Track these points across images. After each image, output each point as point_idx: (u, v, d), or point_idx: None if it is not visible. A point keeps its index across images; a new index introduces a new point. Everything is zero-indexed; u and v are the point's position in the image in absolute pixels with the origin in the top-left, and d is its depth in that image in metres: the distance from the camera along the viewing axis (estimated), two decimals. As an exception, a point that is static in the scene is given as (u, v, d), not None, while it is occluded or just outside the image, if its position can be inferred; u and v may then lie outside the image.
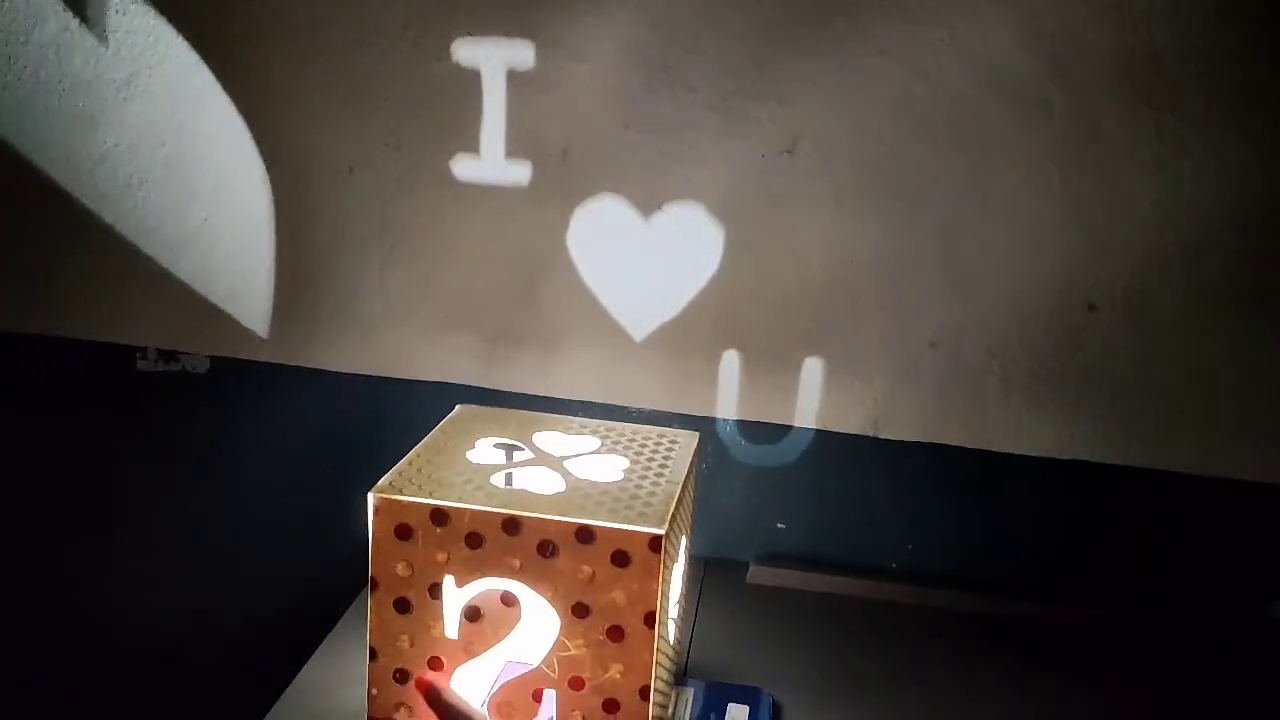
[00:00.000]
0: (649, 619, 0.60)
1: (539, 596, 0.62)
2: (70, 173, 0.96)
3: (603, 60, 0.88)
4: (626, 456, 0.70)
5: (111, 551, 1.09)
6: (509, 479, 0.67)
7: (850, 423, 0.94)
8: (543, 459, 0.69)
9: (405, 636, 0.64)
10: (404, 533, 0.62)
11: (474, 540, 0.61)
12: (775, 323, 0.92)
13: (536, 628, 0.62)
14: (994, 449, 0.92)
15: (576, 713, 0.63)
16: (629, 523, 0.60)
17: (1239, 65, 0.81)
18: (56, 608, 1.11)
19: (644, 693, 0.61)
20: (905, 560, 0.97)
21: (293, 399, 1.01)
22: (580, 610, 0.61)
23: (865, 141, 0.87)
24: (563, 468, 0.68)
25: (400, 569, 0.63)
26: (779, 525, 0.98)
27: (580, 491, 0.64)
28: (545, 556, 0.61)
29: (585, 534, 0.60)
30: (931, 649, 0.86)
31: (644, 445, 0.72)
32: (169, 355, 1.02)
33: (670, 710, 0.73)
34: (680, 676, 0.78)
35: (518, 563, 0.61)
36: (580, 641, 0.62)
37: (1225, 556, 0.93)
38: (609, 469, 0.68)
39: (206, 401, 1.02)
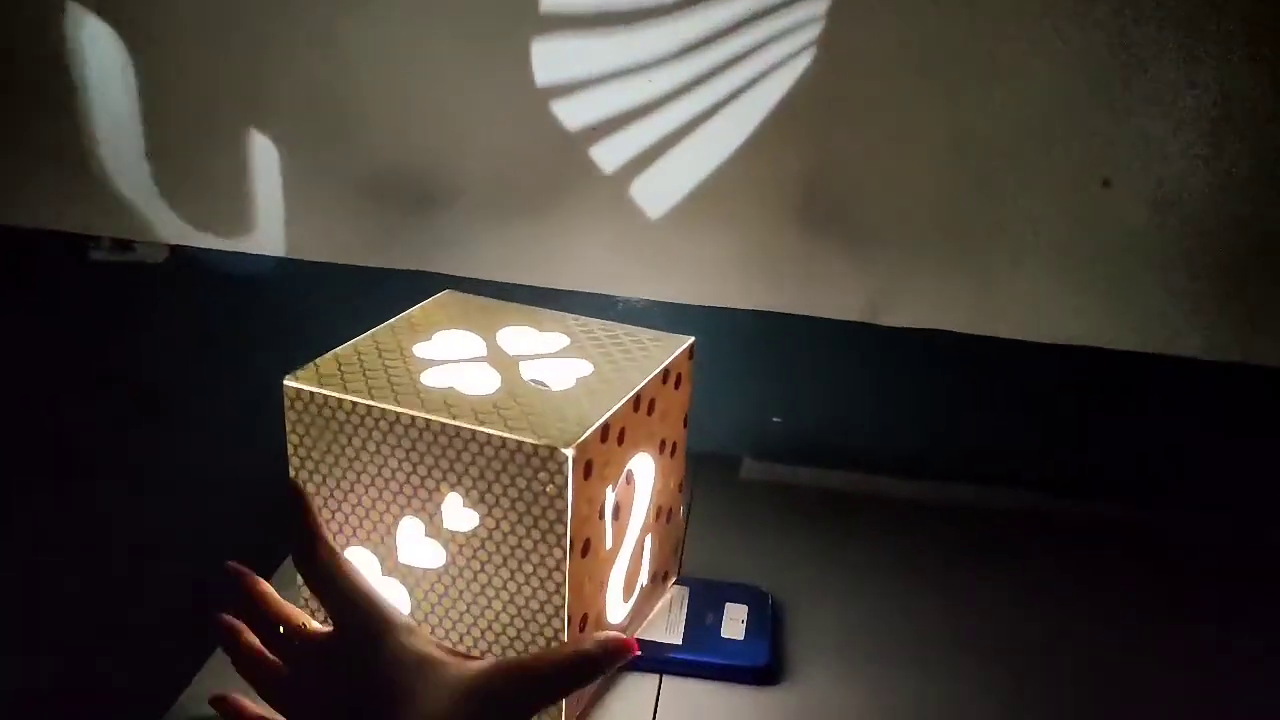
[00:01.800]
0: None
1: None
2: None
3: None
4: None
5: (59, 456, 1.04)
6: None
7: (848, 309, 0.89)
8: (494, 358, 0.64)
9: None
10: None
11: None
12: (767, 198, 0.87)
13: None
14: (999, 335, 0.88)
15: None
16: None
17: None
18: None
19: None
20: (906, 455, 0.93)
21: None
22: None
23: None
24: (515, 369, 0.63)
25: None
26: (774, 419, 0.94)
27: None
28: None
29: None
30: (931, 543, 0.83)
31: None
32: (124, 244, 0.96)
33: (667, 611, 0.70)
34: (675, 574, 0.75)
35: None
36: None
37: (1237, 446, 0.89)
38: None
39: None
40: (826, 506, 0.88)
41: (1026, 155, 0.83)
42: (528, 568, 0.57)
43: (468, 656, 0.52)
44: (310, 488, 0.60)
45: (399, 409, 0.56)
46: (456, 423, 0.55)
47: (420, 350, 0.64)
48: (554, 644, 0.57)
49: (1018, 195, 0.84)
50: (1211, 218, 0.82)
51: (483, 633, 0.59)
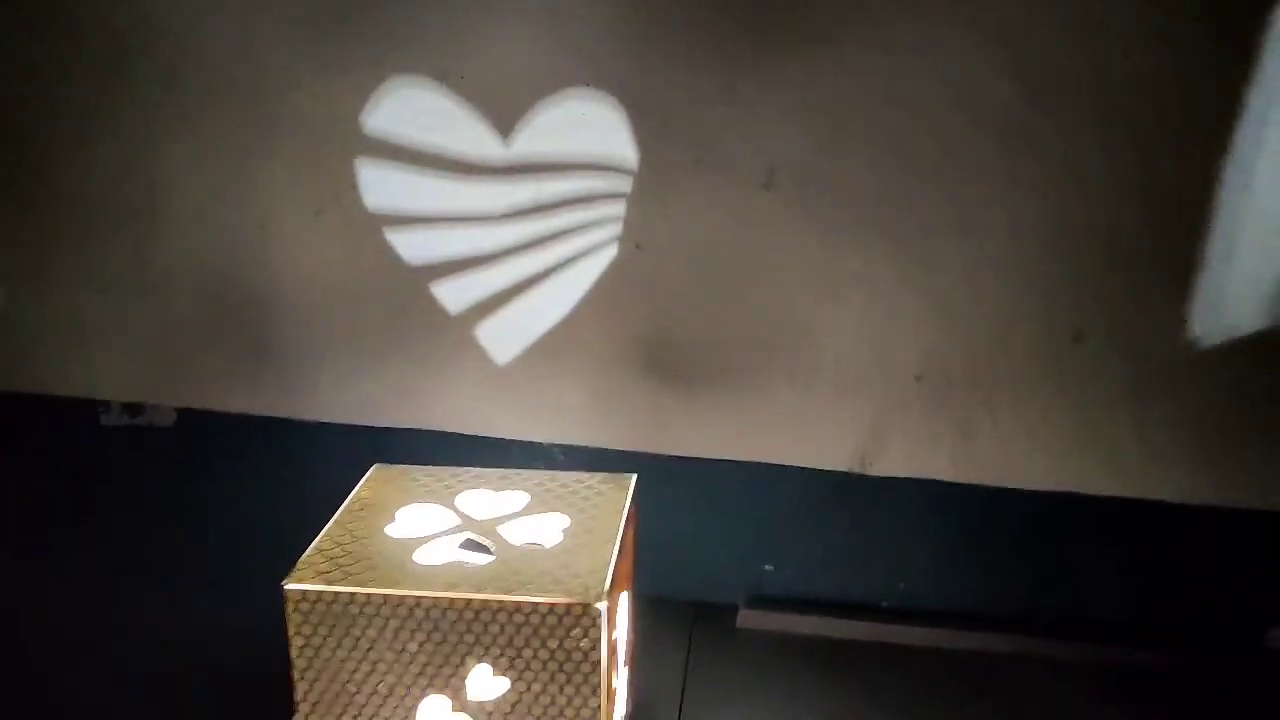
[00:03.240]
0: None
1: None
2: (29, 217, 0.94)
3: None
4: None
5: (63, 620, 1.05)
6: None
7: (837, 460, 0.92)
8: (470, 526, 0.66)
9: None
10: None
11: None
12: (758, 358, 0.91)
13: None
14: (984, 483, 0.91)
15: None
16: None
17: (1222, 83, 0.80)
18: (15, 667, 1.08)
19: None
20: (897, 599, 0.95)
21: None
22: None
23: (843, 172, 0.85)
24: (497, 534, 0.65)
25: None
26: (767, 567, 0.96)
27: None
28: None
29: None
30: (929, 689, 0.85)
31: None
32: (134, 409, 0.99)
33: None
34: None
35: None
36: None
37: (1220, 585, 0.92)
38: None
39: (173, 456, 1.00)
40: (824, 654, 0.90)
41: (1003, 315, 0.87)
42: None
43: None
44: (319, 686, 0.61)
45: (418, 593, 0.58)
46: (483, 596, 0.58)
47: (393, 531, 0.66)
48: None
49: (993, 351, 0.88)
50: (1181, 369, 0.86)
51: None
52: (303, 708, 0.61)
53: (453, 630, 0.59)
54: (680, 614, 0.94)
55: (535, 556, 0.62)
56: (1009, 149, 0.83)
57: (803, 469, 0.93)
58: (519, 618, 0.58)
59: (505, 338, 0.93)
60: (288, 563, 0.61)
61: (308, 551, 0.63)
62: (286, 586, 0.60)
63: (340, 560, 0.62)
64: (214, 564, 1.01)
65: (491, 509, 0.69)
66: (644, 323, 0.91)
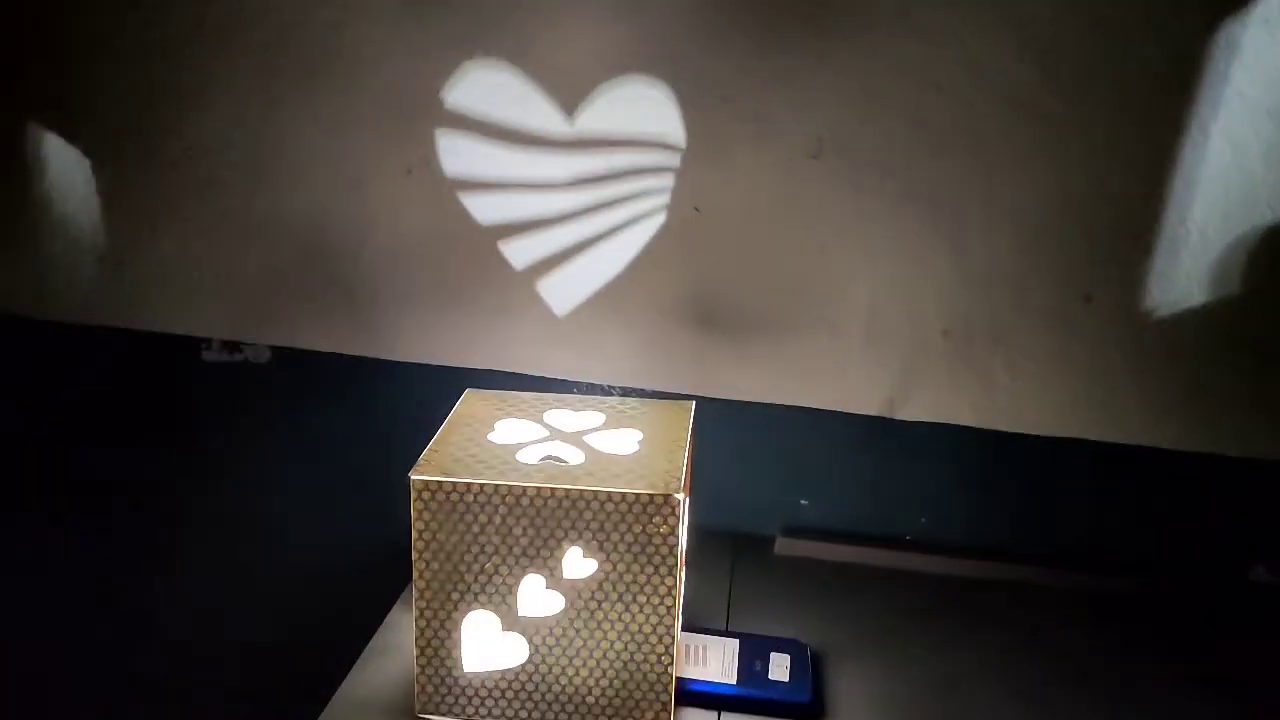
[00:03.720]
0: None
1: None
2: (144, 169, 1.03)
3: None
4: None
5: (175, 542, 1.16)
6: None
7: (868, 405, 1.01)
8: (560, 436, 0.75)
9: None
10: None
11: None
12: (798, 311, 0.99)
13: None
14: (999, 428, 0.99)
15: None
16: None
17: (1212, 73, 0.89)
18: (114, 599, 1.17)
19: None
20: (918, 532, 1.04)
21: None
22: None
23: (882, 148, 0.93)
24: (584, 442, 0.74)
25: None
26: (802, 502, 1.05)
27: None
28: None
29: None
30: (943, 610, 0.93)
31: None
32: (233, 346, 1.08)
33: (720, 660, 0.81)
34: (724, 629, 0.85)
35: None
36: None
37: (1211, 524, 1.00)
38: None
39: (269, 392, 1.09)
40: (851, 578, 0.98)
41: (1021, 276, 0.96)
42: (641, 599, 0.68)
43: None
44: (435, 565, 0.69)
45: (524, 484, 0.68)
46: (579, 487, 0.67)
47: (494, 438, 0.75)
48: (663, 662, 0.68)
49: (1012, 309, 0.97)
50: (1179, 327, 0.94)
51: (598, 662, 0.70)
52: (419, 584, 0.70)
53: (552, 517, 0.68)
54: (723, 543, 1.02)
55: (619, 459, 0.72)
56: (1028, 126, 0.91)
57: (836, 413, 1.01)
58: (610, 506, 0.67)
59: (565, 291, 1.02)
60: (380, 480, 0.67)
61: (426, 451, 0.72)
62: (412, 477, 0.69)
63: (453, 457, 0.71)
64: (308, 485, 1.11)
65: (575, 424, 0.78)
66: (695, 278, 1.00)
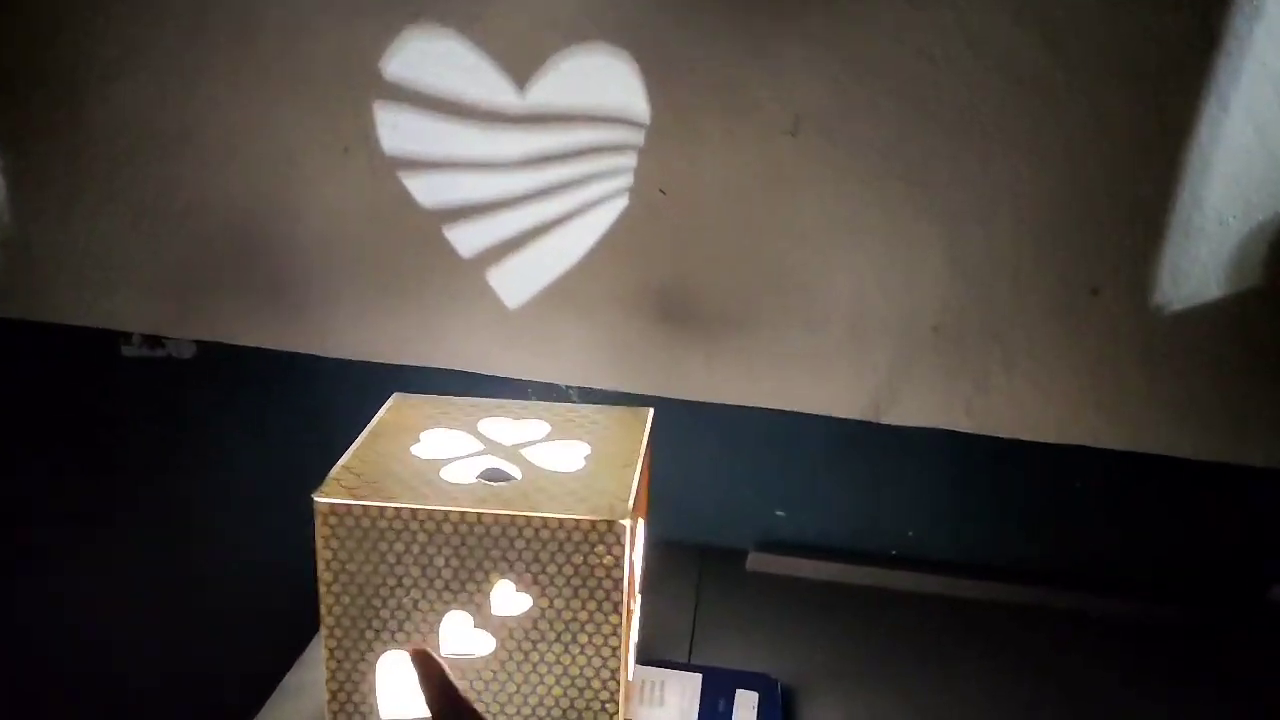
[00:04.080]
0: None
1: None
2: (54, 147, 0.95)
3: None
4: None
5: (96, 541, 1.07)
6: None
7: (851, 408, 0.93)
8: (494, 449, 0.67)
9: None
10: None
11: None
12: (774, 304, 0.91)
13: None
14: (997, 434, 0.92)
15: None
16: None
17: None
18: (35, 601, 1.09)
19: None
20: (905, 547, 0.96)
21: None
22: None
23: (868, 123, 0.86)
24: (522, 457, 0.66)
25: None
26: (778, 513, 0.97)
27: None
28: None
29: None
30: (934, 635, 0.87)
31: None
32: (155, 341, 1.00)
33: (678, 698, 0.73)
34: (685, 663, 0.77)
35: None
36: None
37: (1228, 541, 0.93)
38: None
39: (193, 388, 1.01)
40: (831, 598, 0.91)
41: (1021, 267, 0.88)
42: (583, 638, 0.60)
43: None
44: (345, 600, 0.61)
45: (445, 508, 0.59)
46: (510, 511, 0.58)
47: (418, 451, 0.66)
48: (608, 710, 0.61)
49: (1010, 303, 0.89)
50: (1196, 323, 0.87)
51: (534, 710, 0.62)
52: (328, 621, 0.62)
53: (479, 545, 0.60)
54: (690, 558, 0.95)
55: (559, 478, 0.63)
56: (1031, 102, 0.84)
57: (817, 416, 0.94)
58: (545, 534, 0.59)
59: (517, 283, 0.94)
60: (308, 488, 0.61)
61: (336, 468, 0.64)
62: (316, 499, 0.60)
63: (368, 476, 0.62)
64: (233, 491, 1.03)
65: (514, 435, 0.69)
66: (659, 268, 0.92)
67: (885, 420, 0.93)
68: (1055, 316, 0.88)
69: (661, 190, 0.89)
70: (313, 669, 0.77)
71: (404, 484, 0.62)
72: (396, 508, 0.59)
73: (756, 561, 0.95)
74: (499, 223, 0.92)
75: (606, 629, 0.60)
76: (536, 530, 0.59)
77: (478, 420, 0.71)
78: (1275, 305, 0.86)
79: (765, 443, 0.96)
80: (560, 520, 0.58)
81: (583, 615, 0.60)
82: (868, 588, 0.93)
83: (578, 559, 0.59)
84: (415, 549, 0.60)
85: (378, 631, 0.62)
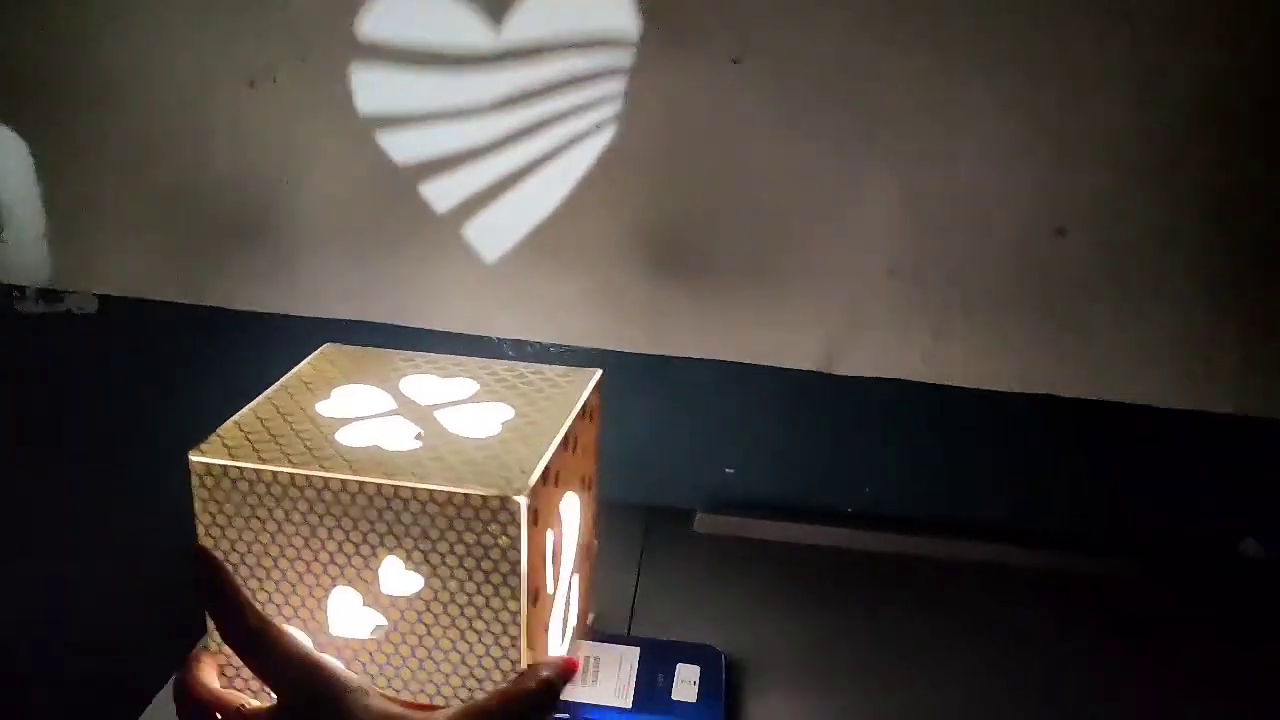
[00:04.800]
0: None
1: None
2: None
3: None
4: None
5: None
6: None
7: (802, 358, 0.88)
8: (406, 410, 0.61)
9: None
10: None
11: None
12: (719, 249, 0.86)
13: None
14: (955, 384, 0.87)
15: None
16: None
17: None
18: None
19: None
20: (862, 504, 0.92)
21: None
22: None
23: (816, 47, 0.80)
24: (433, 420, 0.60)
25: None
26: (727, 470, 0.93)
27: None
28: None
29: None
30: (890, 597, 0.82)
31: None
32: (52, 295, 0.93)
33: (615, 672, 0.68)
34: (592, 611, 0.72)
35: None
36: None
37: (1196, 493, 0.89)
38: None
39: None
40: (783, 559, 0.86)
41: (982, 205, 0.83)
42: (480, 625, 0.54)
43: (429, 707, 0.50)
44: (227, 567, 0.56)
45: (326, 474, 0.53)
46: (394, 481, 0.52)
47: (324, 409, 0.60)
48: None
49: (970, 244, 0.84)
50: (1164, 267, 0.82)
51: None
52: None
53: (363, 517, 0.54)
54: (634, 518, 0.90)
55: (465, 445, 0.57)
56: (993, 22, 0.78)
57: (768, 368, 0.89)
58: (432, 508, 0.52)
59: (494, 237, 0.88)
60: None
61: (226, 424, 0.58)
62: (191, 459, 0.54)
63: (256, 435, 0.56)
64: (143, 454, 0.96)
65: (433, 395, 0.63)
66: (607, 215, 0.86)
67: (839, 371, 0.88)
68: (1017, 257, 0.84)
69: (597, 126, 0.83)
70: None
71: (290, 446, 0.56)
72: (274, 471, 0.53)
73: (705, 522, 0.90)
74: (474, 174, 0.86)
75: (505, 616, 0.54)
76: (423, 504, 0.52)
77: (402, 377, 0.64)
78: (1244, 249, 0.81)
79: (712, 396, 0.91)
80: (449, 494, 0.52)
81: (479, 600, 0.54)
82: (822, 547, 0.88)
83: (470, 537, 0.52)
84: (296, 518, 0.54)
85: (262, 605, 0.56)
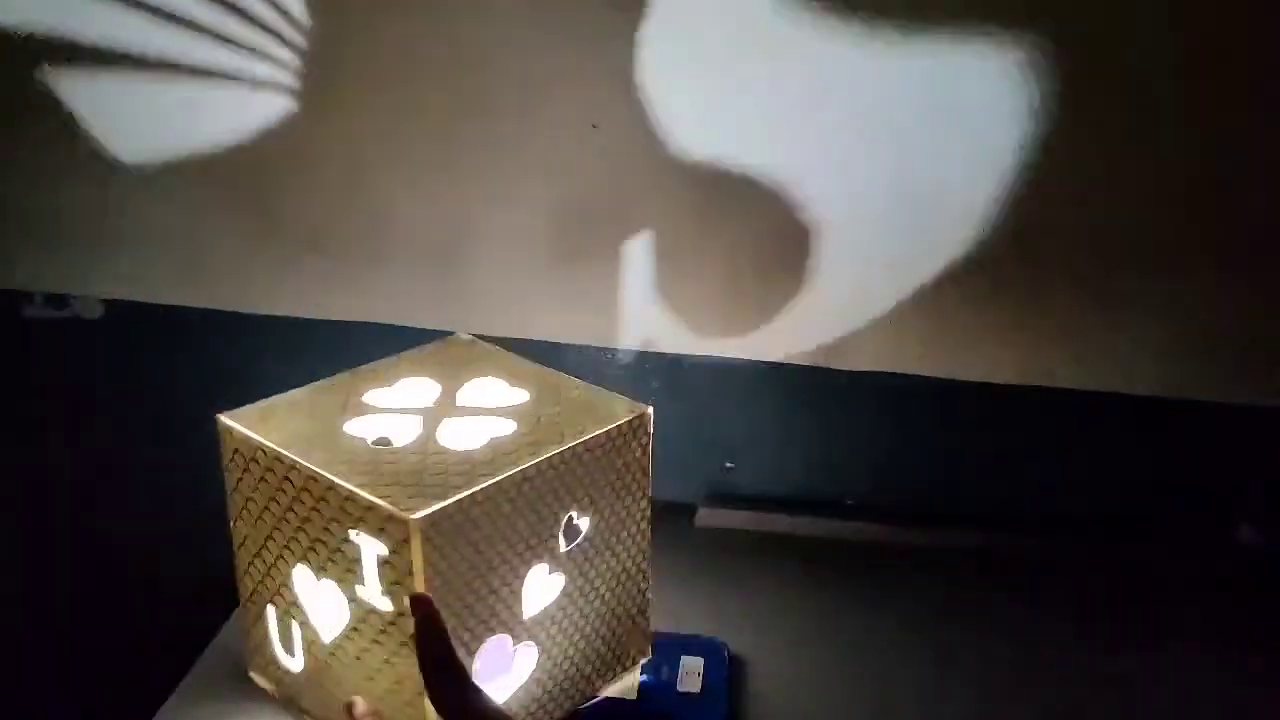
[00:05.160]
0: None
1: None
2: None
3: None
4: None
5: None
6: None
7: (799, 353, 0.89)
8: (433, 410, 0.60)
9: None
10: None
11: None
12: (709, 243, 0.86)
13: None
14: (953, 377, 0.88)
15: None
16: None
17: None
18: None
19: None
20: (862, 497, 0.93)
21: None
22: None
23: (817, 48, 0.80)
24: (437, 424, 0.59)
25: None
26: (727, 465, 0.93)
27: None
28: None
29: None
30: (892, 588, 0.83)
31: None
32: (59, 300, 0.94)
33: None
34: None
35: None
36: None
37: (1193, 480, 0.90)
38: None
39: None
40: (785, 553, 0.87)
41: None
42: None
43: None
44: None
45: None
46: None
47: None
48: None
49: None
50: (1156, 249, 0.83)
51: None
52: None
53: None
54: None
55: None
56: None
57: (766, 362, 0.89)
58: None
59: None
60: None
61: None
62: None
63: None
64: (150, 457, 0.98)
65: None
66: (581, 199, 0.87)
67: (837, 365, 0.88)
68: (1018, 249, 0.83)
69: (594, 125, 0.83)
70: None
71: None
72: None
73: (706, 517, 0.91)
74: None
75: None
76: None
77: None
78: (1239, 238, 0.82)
79: (713, 391, 0.91)
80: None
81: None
82: (823, 540, 0.89)
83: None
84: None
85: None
